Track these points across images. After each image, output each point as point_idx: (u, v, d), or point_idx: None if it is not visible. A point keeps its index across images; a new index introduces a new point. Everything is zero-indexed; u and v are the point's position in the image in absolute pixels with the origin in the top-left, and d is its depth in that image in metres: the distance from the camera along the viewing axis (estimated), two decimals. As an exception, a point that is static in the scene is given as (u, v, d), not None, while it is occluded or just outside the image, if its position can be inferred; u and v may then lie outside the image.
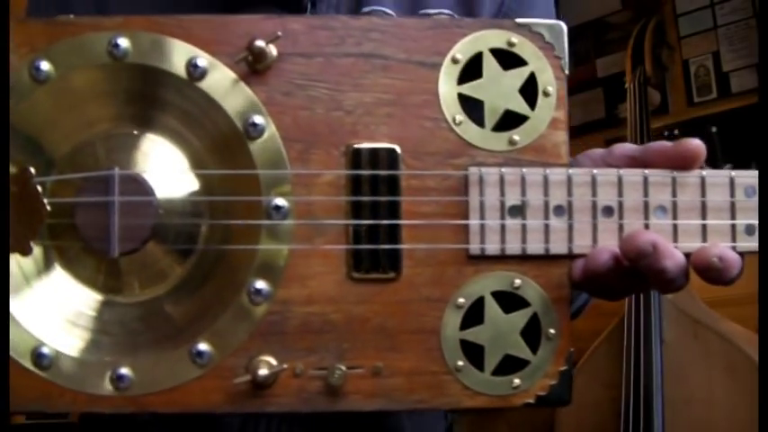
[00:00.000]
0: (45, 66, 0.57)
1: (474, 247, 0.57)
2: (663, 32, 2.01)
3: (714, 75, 2.10)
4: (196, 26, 0.58)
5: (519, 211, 0.57)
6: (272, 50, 0.57)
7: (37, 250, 0.57)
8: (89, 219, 0.56)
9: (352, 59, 0.58)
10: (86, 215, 0.56)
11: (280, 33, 0.56)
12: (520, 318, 0.57)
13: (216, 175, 0.58)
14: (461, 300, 0.57)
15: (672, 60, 2.08)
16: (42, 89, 0.58)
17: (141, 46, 0.58)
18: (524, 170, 0.57)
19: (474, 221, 0.57)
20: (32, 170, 0.57)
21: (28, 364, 0.57)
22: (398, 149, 0.57)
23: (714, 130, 1.99)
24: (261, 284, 0.57)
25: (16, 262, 0.57)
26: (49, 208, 0.57)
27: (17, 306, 0.57)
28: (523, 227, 0.57)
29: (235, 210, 0.58)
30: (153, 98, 0.58)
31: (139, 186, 0.57)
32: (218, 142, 0.58)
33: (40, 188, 0.57)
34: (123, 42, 0.57)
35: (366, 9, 0.75)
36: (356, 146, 0.57)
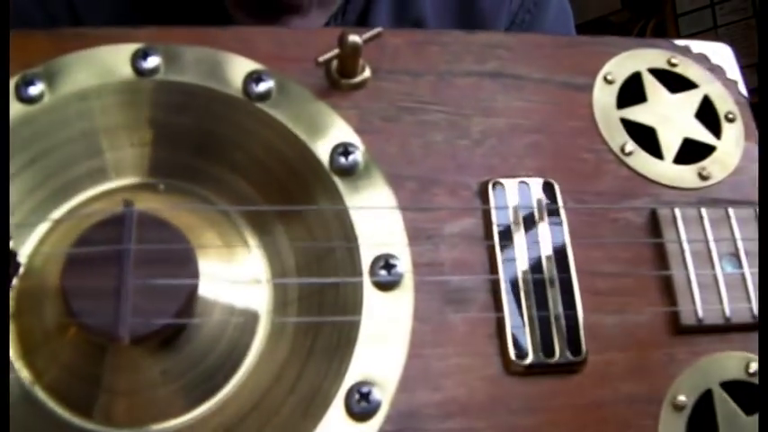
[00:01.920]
0: (38, 83, 0.39)
1: (687, 314, 0.38)
2: (663, 32, 2.01)
3: (714, 75, 2.11)
4: (259, 39, 0.42)
5: (735, 261, 0.40)
6: (366, 69, 0.41)
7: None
8: (85, 283, 0.35)
9: (474, 79, 0.42)
10: (81, 277, 0.35)
11: (380, 29, 0.41)
12: (771, 421, 0.37)
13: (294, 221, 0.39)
14: (681, 398, 0.37)
15: (672, 60, 2.09)
16: (32, 112, 0.39)
17: (180, 60, 0.41)
18: (731, 210, 0.41)
19: (680, 276, 0.39)
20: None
21: None
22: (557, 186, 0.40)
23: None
24: (367, 388, 0.35)
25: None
26: (22, 265, 0.35)
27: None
28: (744, 282, 0.39)
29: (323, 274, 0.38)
30: (191, 133, 0.40)
31: (166, 234, 0.36)
32: (289, 185, 0.40)
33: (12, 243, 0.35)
34: (154, 55, 0.40)
35: None
36: (498, 179, 0.40)
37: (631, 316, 0.38)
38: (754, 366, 0.38)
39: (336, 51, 0.40)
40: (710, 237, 0.39)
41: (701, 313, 0.38)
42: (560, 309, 0.37)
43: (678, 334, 0.38)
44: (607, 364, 0.37)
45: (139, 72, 0.40)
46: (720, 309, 0.38)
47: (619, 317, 0.38)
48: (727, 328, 0.38)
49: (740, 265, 0.39)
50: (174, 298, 0.35)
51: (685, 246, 0.39)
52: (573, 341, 0.37)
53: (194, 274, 0.35)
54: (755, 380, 0.38)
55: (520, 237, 0.39)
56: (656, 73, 0.44)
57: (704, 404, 0.37)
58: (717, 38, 2.04)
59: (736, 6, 2.01)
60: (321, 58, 0.40)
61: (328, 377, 0.36)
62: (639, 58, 0.44)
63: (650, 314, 0.38)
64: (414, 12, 0.62)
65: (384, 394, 0.35)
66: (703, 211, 0.40)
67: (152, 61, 0.40)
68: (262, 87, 0.40)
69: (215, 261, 0.37)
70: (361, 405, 0.35)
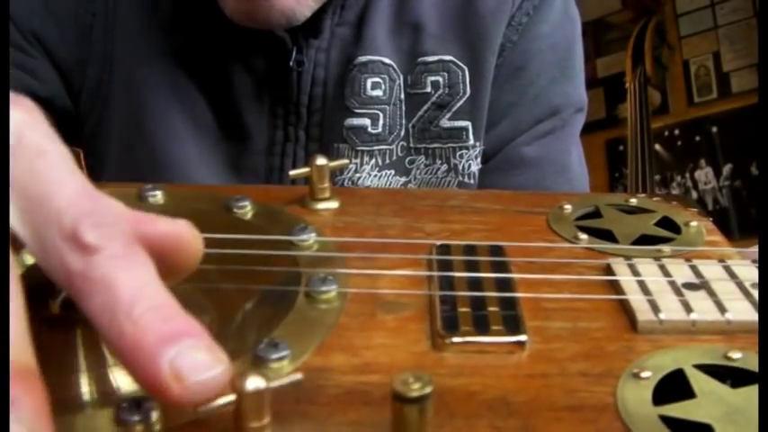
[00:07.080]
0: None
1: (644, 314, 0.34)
2: (663, 32, 2.06)
3: (714, 75, 2.05)
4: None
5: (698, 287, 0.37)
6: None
7: None
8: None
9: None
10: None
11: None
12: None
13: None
14: (645, 373, 0.31)
15: (672, 60, 2.07)
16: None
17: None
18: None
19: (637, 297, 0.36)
20: None
21: None
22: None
23: (714, 130, 1.93)
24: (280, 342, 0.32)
25: None
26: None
27: None
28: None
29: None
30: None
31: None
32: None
33: None
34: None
35: (362, 59, 0.62)
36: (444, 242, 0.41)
37: (583, 323, 0.35)
38: (732, 353, 0.32)
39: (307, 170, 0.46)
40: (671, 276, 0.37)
41: (663, 315, 0.34)
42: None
43: (638, 332, 0.34)
44: (552, 350, 0.33)
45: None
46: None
47: (568, 323, 0.35)
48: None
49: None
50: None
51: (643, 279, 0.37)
52: (511, 321, 0.34)
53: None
54: (737, 364, 0.32)
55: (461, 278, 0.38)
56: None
57: (674, 379, 0.31)
58: (717, 38, 2.04)
59: (736, 6, 2.05)
60: (292, 173, 0.46)
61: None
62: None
63: (604, 321, 0.35)
64: (413, 13, 0.62)
65: (295, 351, 0.32)
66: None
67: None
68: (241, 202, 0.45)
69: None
70: (268, 353, 0.31)
